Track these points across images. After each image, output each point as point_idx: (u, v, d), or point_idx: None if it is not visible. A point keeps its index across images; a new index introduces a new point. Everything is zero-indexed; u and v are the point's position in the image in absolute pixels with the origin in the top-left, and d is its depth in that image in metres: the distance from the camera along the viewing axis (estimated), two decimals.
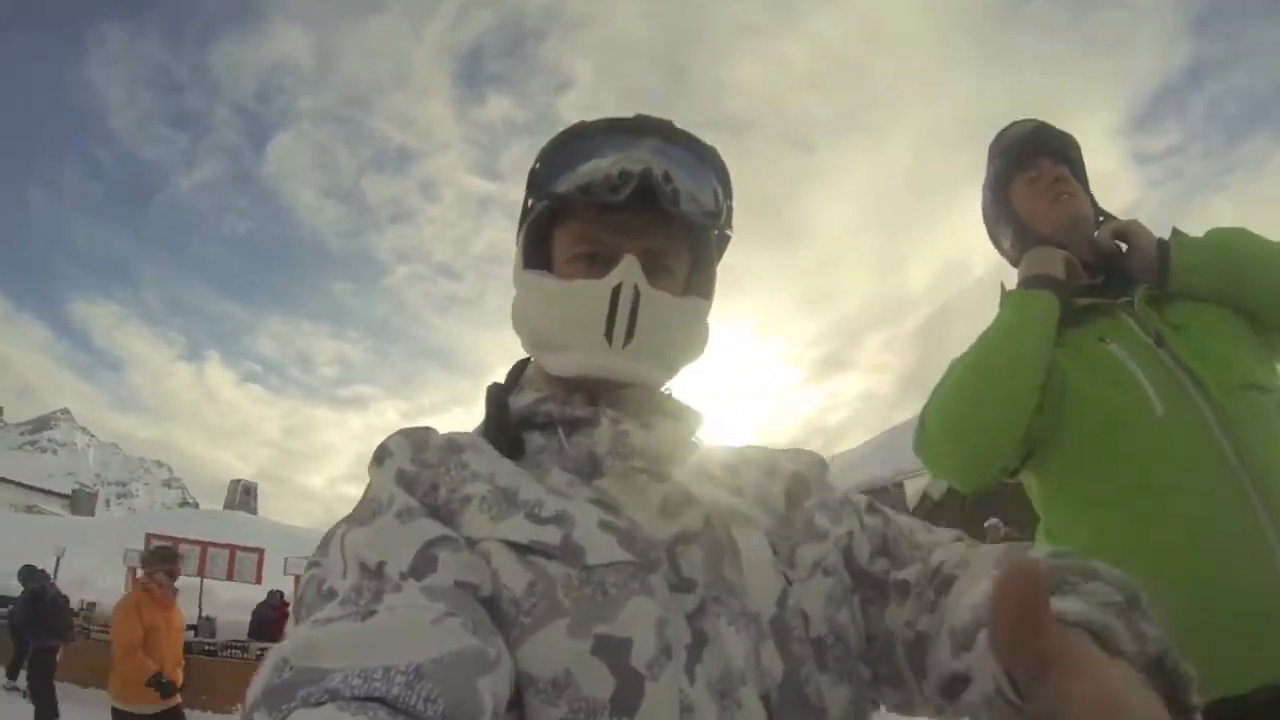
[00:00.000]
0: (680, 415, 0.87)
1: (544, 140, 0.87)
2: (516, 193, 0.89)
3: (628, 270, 0.81)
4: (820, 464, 0.91)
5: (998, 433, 1.39)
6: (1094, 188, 1.66)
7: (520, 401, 0.85)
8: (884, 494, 20.95)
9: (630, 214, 0.81)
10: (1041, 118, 1.67)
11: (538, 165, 0.87)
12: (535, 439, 0.82)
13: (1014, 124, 1.68)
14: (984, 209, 1.73)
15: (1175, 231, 1.52)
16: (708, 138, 0.86)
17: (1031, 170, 1.60)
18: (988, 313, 1.57)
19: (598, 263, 0.83)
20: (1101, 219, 1.62)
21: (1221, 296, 1.44)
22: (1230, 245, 1.47)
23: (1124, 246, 1.56)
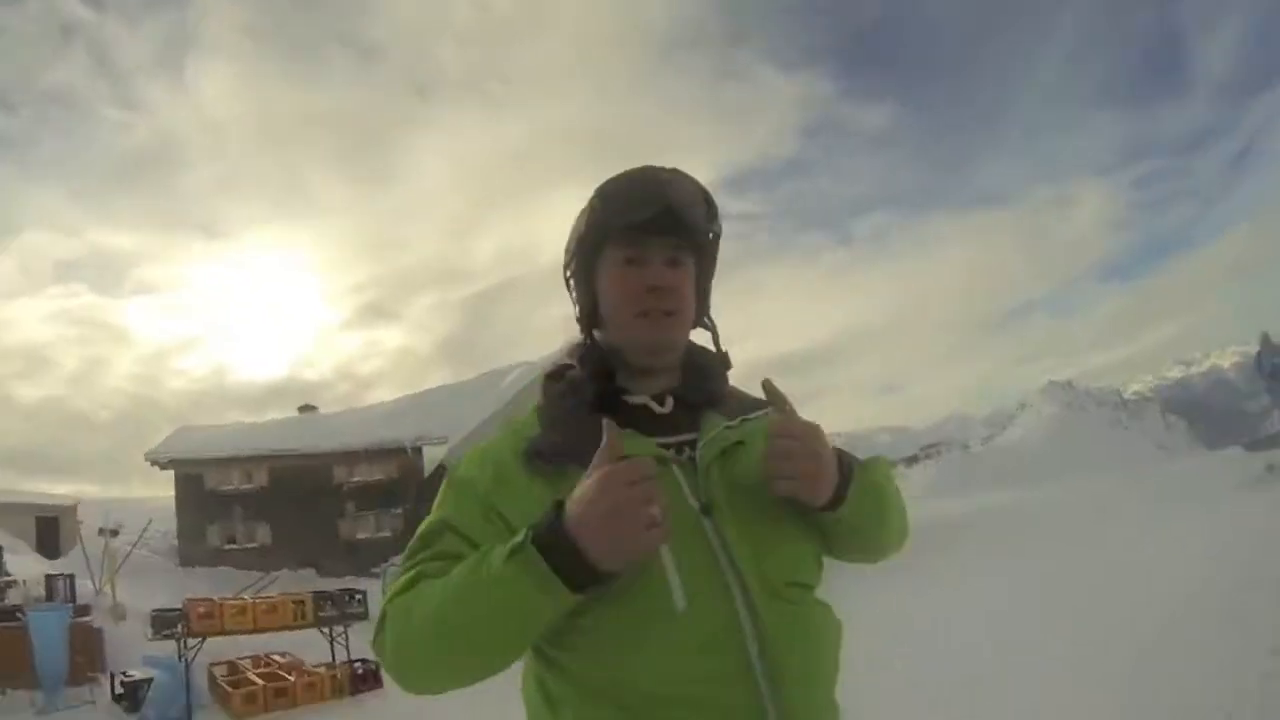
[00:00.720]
0: None
1: None
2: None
3: None
4: None
5: (477, 677, 1.07)
6: None
7: None
8: (400, 454, 22.92)
9: None
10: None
11: None
12: None
13: (640, 173, 1.19)
14: (568, 248, 1.24)
15: (859, 464, 1.20)
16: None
17: (633, 249, 1.17)
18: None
19: None
20: (708, 321, 1.27)
21: (843, 528, 1.17)
22: (880, 489, 1.21)
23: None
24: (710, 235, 1.23)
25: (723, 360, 1.29)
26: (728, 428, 1.18)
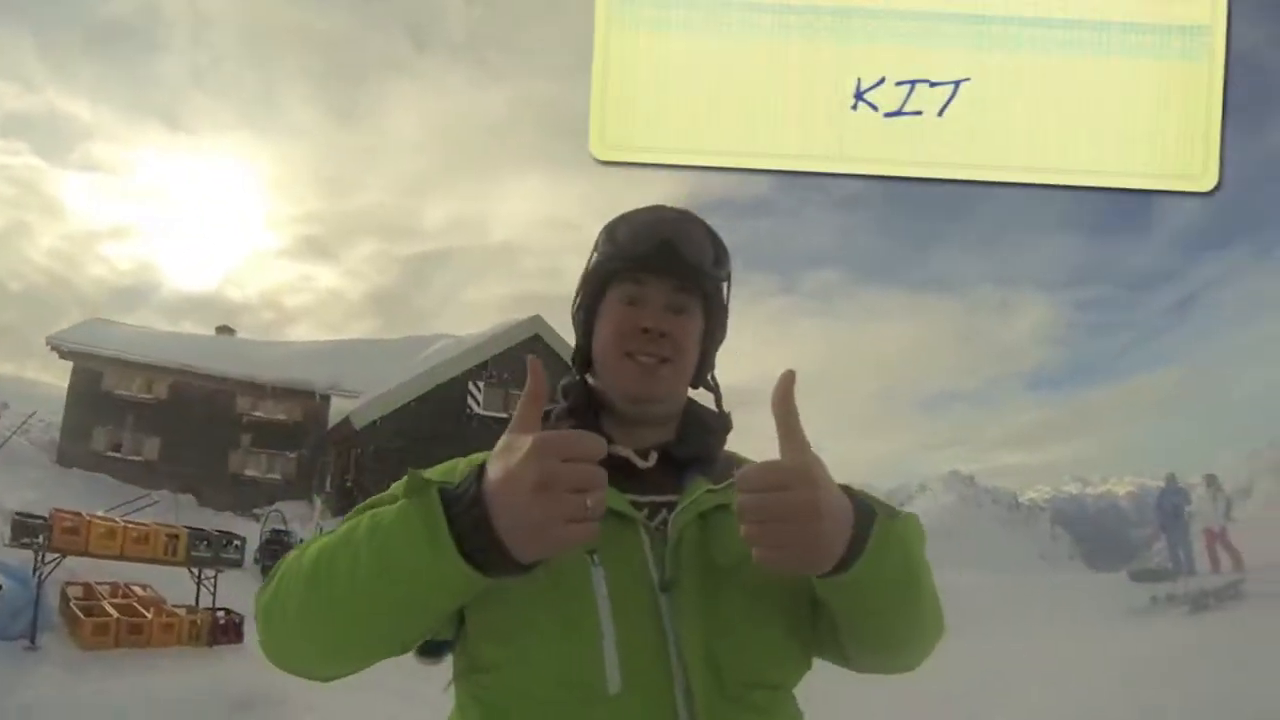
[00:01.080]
0: None
1: None
2: None
3: None
4: None
5: (341, 653, 0.94)
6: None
7: None
8: (309, 397, 22.40)
9: None
10: None
11: None
12: None
13: (645, 211, 1.12)
14: (578, 287, 1.15)
15: (886, 512, 0.92)
16: None
17: (633, 286, 1.08)
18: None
19: None
20: (712, 379, 1.17)
21: (855, 603, 0.94)
22: (910, 551, 0.96)
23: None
24: (717, 282, 1.12)
25: (724, 422, 1.15)
26: (709, 491, 1.03)
